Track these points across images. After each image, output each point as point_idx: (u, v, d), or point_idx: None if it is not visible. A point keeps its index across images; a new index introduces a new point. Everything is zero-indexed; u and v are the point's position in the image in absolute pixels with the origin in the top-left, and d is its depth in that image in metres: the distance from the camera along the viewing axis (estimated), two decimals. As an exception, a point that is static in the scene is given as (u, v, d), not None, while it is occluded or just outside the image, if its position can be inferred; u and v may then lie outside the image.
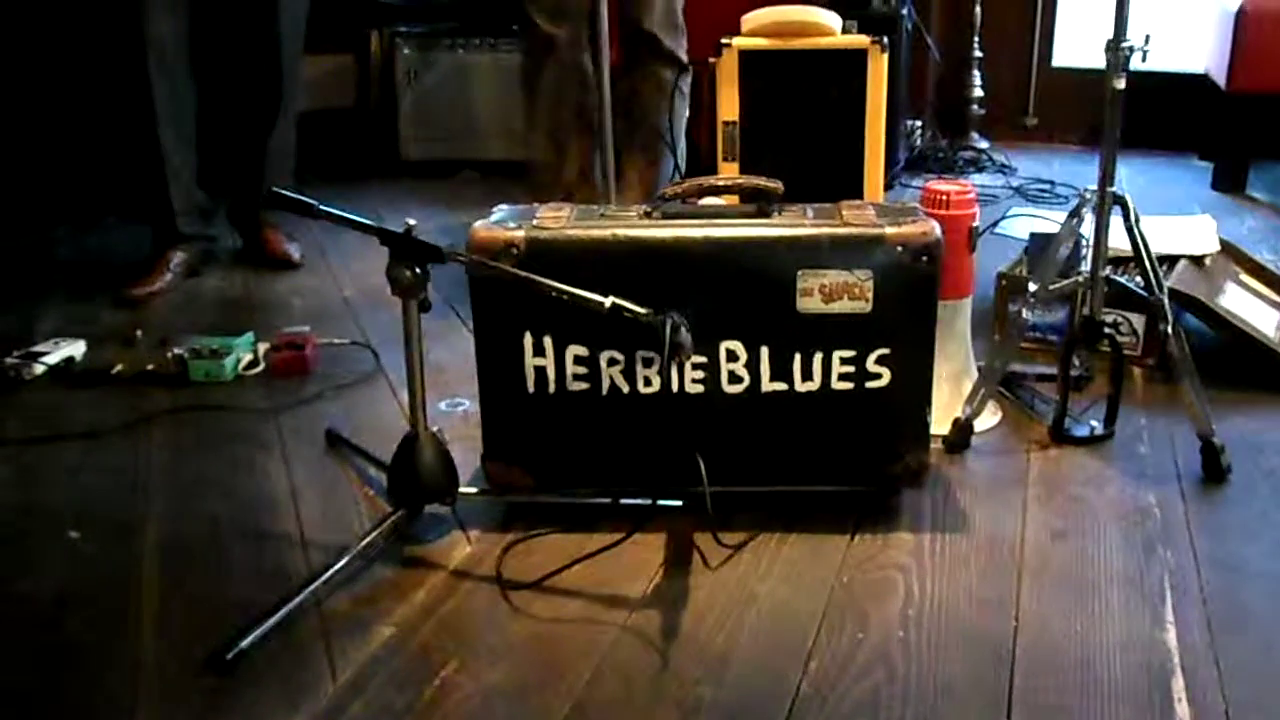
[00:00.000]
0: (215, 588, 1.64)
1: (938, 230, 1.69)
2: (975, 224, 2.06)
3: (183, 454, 2.05)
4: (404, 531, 1.72)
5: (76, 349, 2.46)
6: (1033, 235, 2.68)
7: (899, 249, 1.67)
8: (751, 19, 2.59)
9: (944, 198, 2.02)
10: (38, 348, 2.43)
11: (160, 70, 2.77)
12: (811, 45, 2.55)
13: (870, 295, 1.68)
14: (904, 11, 3.89)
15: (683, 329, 1.55)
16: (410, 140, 4.19)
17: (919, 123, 4.40)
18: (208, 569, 1.69)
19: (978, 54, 4.53)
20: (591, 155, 2.93)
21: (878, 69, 2.53)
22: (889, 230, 1.68)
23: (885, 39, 2.55)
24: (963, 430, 2.00)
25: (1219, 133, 3.98)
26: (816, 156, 2.58)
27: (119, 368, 2.36)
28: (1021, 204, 3.77)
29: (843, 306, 1.68)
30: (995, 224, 2.95)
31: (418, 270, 1.60)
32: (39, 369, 2.37)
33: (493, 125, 4.12)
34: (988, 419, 2.10)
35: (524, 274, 1.58)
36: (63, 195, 3.61)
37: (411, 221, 1.60)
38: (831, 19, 2.57)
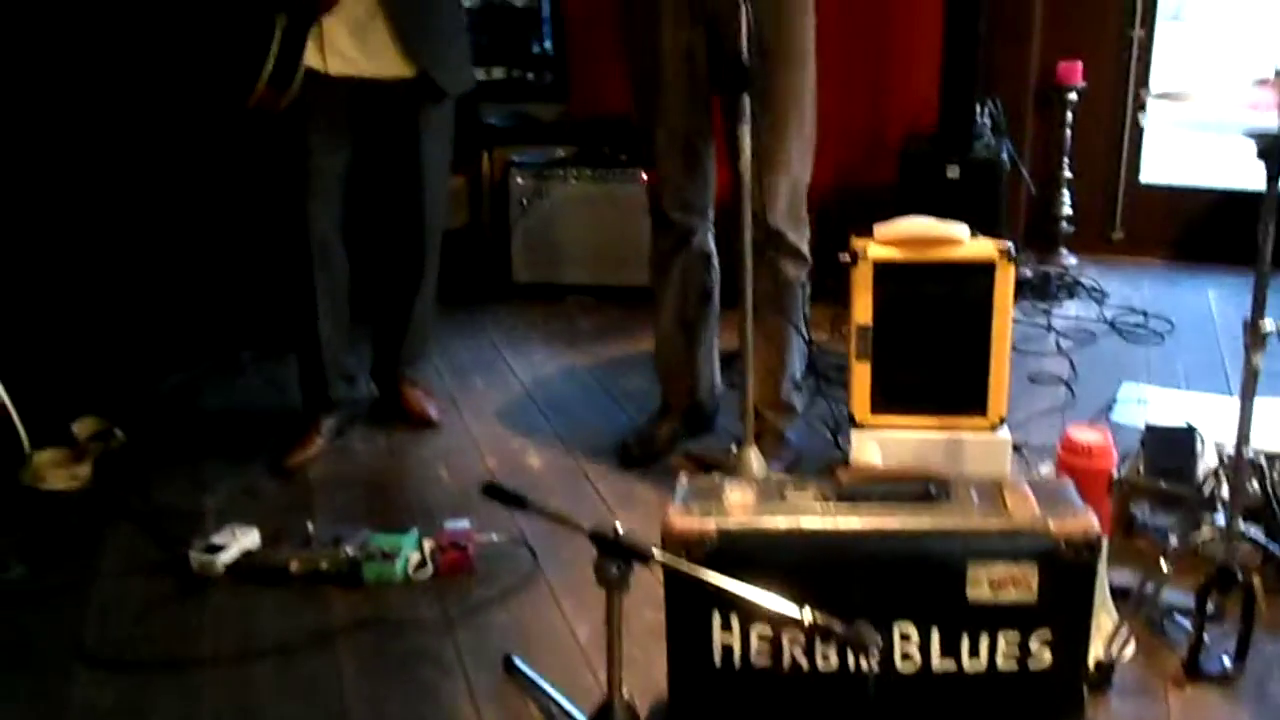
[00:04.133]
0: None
1: (1096, 524, 1.83)
2: (1114, 472, 2.19)
3: (372, 677, 2.22)
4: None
5: (251, 539, 2.63)
6: (1149, 428, 2.80)
7: (1063, 544, 1.81)
8: (885, 229, 2.72)
9: (1086, 448, 2.16)
10: (215, 539, 2.61)
11: (321, 263, 2.96)
12: (942, 258, 2.68)
13: (1035, 585, 1.82)
14: (1003, 156, 4.02)
15: (875, 645, 1.69)
16: (522, 264, 4.37)
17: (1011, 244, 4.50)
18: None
19: (1067, 174, 4.65)
20: (712, 333, 3.11)
21: (1004, 278, 2.66)
22: (1053, 526, 1.82)
23: (1012, 247, 2.68)
24: (1105, 672, 2.13)
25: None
26: (944, 359, 2.71)
27: (294, 565, 2.54)
28: (1115, 341, 3.89)
29: (1009, 596, 1.82)
30: (1109, 409, 3.07)
31: (624, 566, 1.75)
32: (220, 567, 2.55)
33: (601, 252, 4.29)
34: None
35: (725, 584, 1.72)
36: (199, 332, 3.81)
37: (620, 525, 1.75)
38: (960, 230, 2.70)
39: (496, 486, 1.83)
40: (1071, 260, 4.67)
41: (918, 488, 1.91)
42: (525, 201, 4.31)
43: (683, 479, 2.00)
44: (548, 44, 5.00)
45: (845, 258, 2.73)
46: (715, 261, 3.03)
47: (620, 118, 4.37)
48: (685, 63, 2.75)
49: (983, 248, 2.69)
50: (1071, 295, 4.34)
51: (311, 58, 2.80)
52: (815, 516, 1.86)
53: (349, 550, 2.54)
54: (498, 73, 4.90)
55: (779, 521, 1.86)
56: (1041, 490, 1.93)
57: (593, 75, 4.83)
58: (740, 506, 1.89)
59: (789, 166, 2.77)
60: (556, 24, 4.93)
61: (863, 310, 2.70)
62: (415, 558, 2.55)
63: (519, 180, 4.32)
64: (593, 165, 4.30)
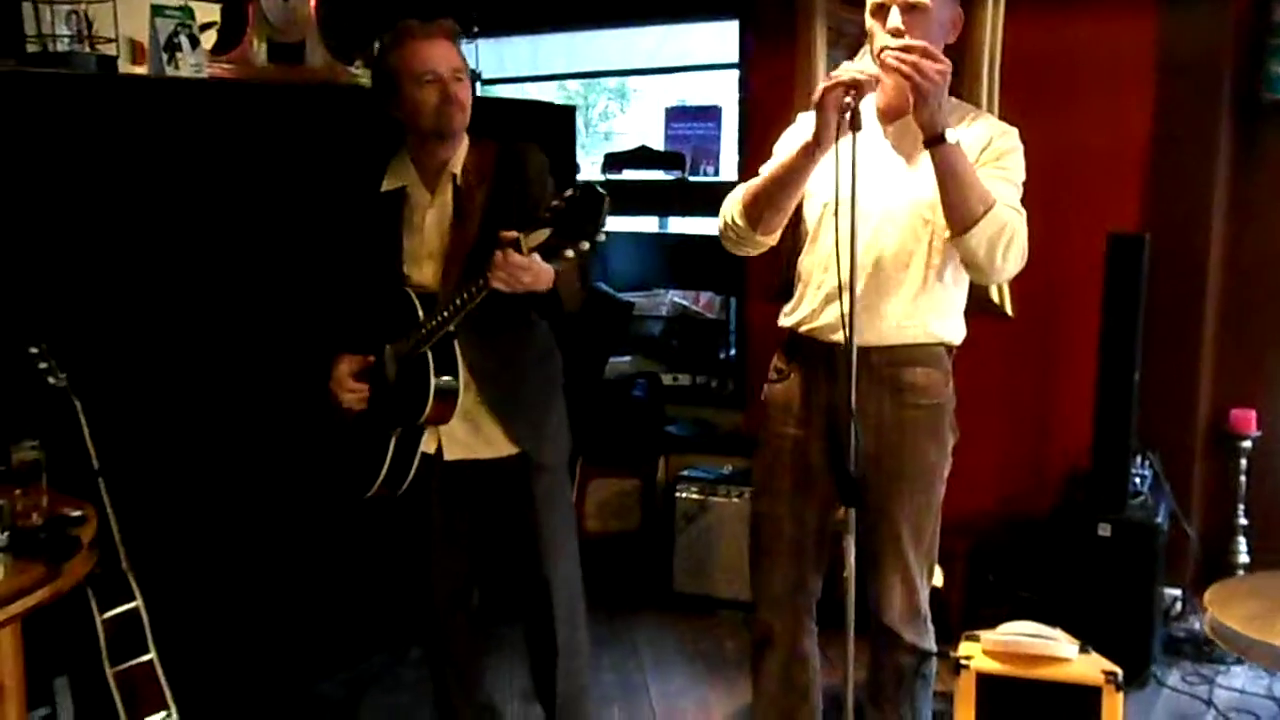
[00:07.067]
0: None
1: None
2: None
3: None
4: None
5: None
6: None
7: None
8: (993, 638, 2.82)
9: None
10: None
11: (443, 628, 3.19)
12: (1046, 676, 2.75)
13: None
14: (1159, 516, 4.01)
15: None
16: (682, 575, 4.60)
17: (1178, 592, 4.42)
18: None
19: (1242, 521, 4.56)
20: None
21: (1112, 705, 2.70)
22: None
23: (1119, 674, 2.72)
24: None
25: None
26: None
27: None
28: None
29: None
30: None
31: None
32: None
33: (757, 570, 4.48)
34: None
35: None
36: (366, 629, 4.07)
37: None
38: (1068, 648, 2.77)
39: None
40: (1246, 610, 4.53)
41: None
42: (689, 515, 4.57)
43: None
44: (733, 352, 5.32)
45: (954, 659, 2.84)
46: (816, 663, 2.95)
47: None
48: (804, 467, 2.80)
49: (1089, 670, 2.75)
50: (1241, 659, 4.20)
51: (428, 445, 2.98)
52: None
53: None
54: (683, 378, 5.24)
55: None
56: None
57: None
58: None
59: (905, 573, 2.75)
60: (741, 334, 5.25)
61: (964, 718, 2.79)
62: None
63: (684, 494, 4.58)
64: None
